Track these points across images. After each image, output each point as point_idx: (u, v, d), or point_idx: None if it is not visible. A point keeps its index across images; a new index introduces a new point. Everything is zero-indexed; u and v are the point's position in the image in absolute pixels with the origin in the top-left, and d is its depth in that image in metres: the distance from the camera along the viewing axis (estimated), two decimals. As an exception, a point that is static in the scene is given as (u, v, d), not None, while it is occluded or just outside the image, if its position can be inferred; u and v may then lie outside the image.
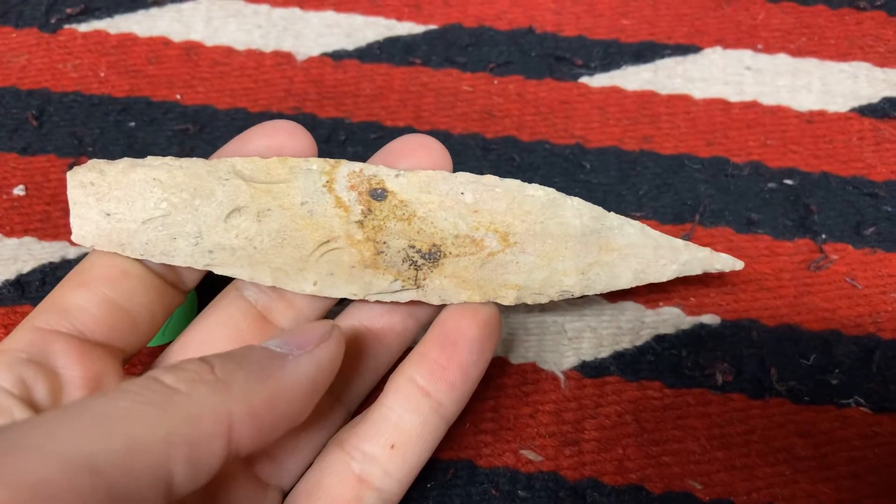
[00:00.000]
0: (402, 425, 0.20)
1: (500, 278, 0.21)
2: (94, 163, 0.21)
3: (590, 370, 0.24)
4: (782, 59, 0.30)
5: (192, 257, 0.21)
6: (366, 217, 0.21)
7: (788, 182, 0.27)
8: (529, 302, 0.22)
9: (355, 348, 0.22)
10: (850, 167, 0.28)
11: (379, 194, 0.21)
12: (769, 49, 0.30)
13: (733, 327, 0.25)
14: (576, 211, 0.22)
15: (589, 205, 0.22)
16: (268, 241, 0.21)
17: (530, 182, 0.22)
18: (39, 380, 0.18)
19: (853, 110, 0.29)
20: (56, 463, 0.13)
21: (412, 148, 0.22)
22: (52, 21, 0.30)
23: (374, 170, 0.21)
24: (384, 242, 0.21)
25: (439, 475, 0.23)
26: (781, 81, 0.29)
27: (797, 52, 0.30)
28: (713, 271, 0.23)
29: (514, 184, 0.21)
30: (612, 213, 0.22)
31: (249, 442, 0.16)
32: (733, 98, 0.29)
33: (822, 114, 0.29)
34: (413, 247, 0.21)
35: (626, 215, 0.27)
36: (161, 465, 0.14)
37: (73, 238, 0.20)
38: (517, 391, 0.24)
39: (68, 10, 0.31)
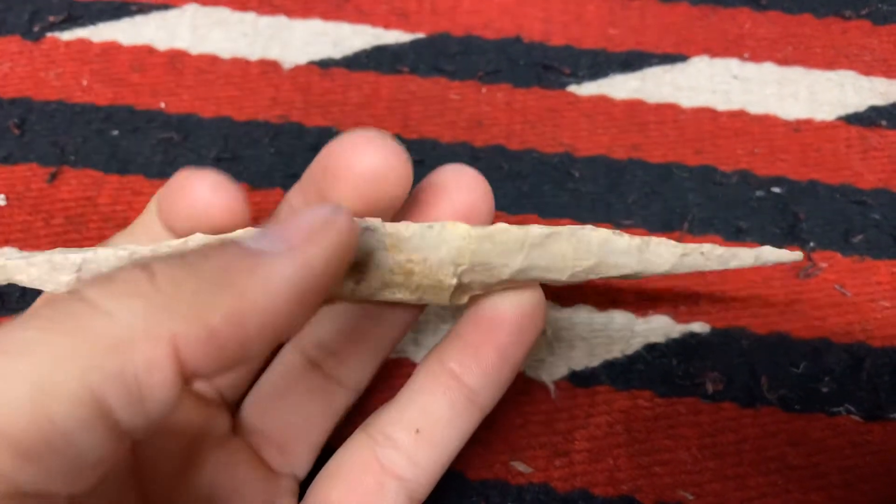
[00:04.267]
0: (429, 410, 0.18)
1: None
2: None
3: (580, 380, 0.24)
4: (769, 67, 0.30)
5: None
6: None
7: (776, 190, 0.27)
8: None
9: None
10: (838, 175, 0.28)
11: None
12: (756, 58, 0.30)
13: (723, 335, 0.25)
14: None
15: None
16: None
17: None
18: None
19: (840, 119, 0.29)
20: None
21: (453, 185, 0.19)
22: (35, 29, 0.30)
23: None
24: None
25: (428, 488, 0.22)
26: (768, 90, 0.30)
27: (784, 61, 0.30)
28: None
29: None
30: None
31: (209, 365, 0.13)
32: (721, 107, 0.29)
33: (809, 122, 0.29)
34: None
35: (615, 223, 0.27)
36: (86, 409, 0.12)
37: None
38: (507, 401, 0.24)
39: (51, 19, 0.30)
